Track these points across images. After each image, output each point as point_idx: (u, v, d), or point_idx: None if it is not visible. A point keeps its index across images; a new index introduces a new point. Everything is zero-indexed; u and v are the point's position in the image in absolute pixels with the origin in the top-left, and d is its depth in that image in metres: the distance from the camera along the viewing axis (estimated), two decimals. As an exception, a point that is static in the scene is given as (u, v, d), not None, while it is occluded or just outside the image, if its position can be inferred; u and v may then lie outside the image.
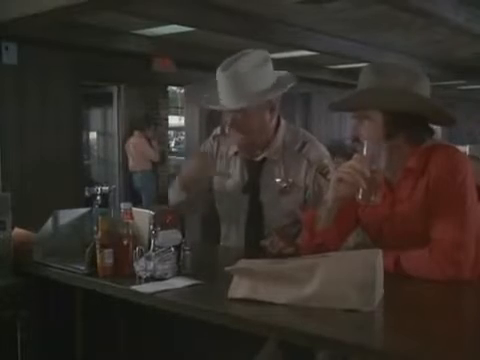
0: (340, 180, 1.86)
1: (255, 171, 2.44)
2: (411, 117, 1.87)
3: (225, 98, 2.28)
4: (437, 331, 1.46)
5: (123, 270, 2.01)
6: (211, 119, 7.44)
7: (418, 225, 1.87)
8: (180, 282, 1.89)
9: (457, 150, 1.91)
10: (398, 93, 1.86)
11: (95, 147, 9.54)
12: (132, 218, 2.05)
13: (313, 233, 2.01)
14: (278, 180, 2.38)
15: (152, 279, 1.91)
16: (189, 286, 1.87)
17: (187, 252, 2.01)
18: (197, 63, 6.77)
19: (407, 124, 1.88)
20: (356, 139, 1.91)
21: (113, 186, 2.60)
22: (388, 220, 1.95)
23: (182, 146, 7.88)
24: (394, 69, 1.93)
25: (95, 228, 2.12)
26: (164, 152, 8.57)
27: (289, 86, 2.28)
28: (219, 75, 2.27)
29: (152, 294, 1.81)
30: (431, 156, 1.87)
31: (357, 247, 1.84)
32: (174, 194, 2.47)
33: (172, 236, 2.01)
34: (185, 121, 7.79)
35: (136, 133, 7.44)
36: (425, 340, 1.40)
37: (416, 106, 1.87)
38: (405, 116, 1.86)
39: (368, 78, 1.91)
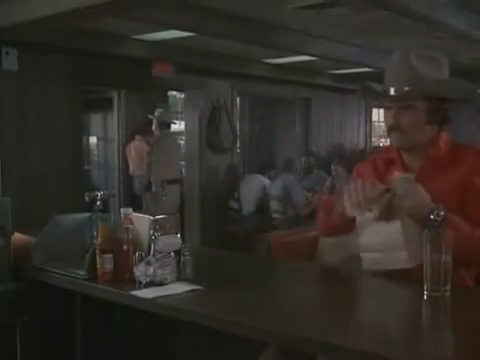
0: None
1: None
2: (449, 102, 1.94)
3: None
4: (437, 336, 1.45)
5: (123, 275, 2.00)
6: (211, 124, 7.43)
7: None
8: (180, 287, 1.89)
9: None
10: (456, 83, 1.94)
11: (95, 152, 9.52)
12: (132, 223, 2.05)
13: (329, 215, 2.06)
14: None
15: (152, 284, 1.91)
16: (189, 291, 1.86)
17: (187, 257, 2.01)
18: (197, 68, 6.77)
19: (445, 109, 1.94)
20: (396, 127, 1.92)
21: (113, 191, 2.61)
22: None
23: (183, 151, 7.86)
24: (435, 57, 2.00)
25: (95, 233, 2.12)
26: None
27: None
28: None
29: (152, 299, 1.81)
30: (464, 154, 1.91)
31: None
32: None
33: (172, 241, 2.01)
34: (185, 126, 7.78)
35: (137, 137, 7.44)
36: (425, 345, 1.39)
37: (466, 93, 1.95)
38: (446, 102, 1.93)
39: (416, 67, 1.94)
